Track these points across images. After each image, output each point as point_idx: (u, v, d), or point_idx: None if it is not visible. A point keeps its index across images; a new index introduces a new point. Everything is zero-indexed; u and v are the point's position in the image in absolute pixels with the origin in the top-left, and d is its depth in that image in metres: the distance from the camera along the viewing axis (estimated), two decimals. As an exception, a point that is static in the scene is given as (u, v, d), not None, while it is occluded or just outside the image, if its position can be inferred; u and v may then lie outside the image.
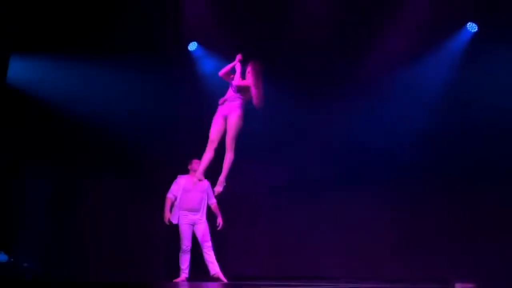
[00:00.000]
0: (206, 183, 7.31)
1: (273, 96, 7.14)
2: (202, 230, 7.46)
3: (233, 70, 6.57)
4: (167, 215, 7.45)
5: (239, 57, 6.55)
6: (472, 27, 8.16)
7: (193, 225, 7.46)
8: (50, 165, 8.78)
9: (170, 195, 7.52)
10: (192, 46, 8.74)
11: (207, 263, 7.40)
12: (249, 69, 6.45)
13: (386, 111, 8.31)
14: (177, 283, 7.20)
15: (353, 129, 8.36)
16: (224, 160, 6.27)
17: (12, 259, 8.06)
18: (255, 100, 6.35)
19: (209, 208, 7.57)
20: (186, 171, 7.67)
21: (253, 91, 6.33)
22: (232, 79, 6.51)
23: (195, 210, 7.47)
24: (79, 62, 8.60)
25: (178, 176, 7.65)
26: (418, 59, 8.29)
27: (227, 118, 6.35)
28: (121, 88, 8.67)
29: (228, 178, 6.25)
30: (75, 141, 8.74)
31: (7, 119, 8.42)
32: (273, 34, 8.40)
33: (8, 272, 7.80)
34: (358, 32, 8.36)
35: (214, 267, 7.37)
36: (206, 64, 8.65)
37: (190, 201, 7.48)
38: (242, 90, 6.40)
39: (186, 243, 7.41)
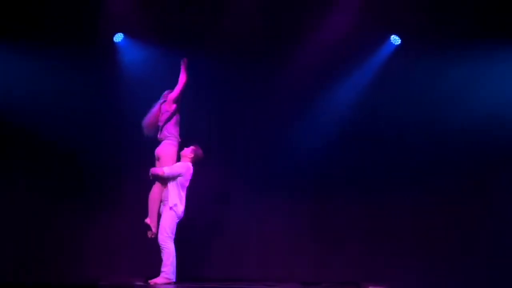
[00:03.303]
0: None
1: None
2: None
3: None
4: None
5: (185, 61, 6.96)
6: (395, 40, 8.41)
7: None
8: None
9: None
10: (118, 37, 8.44)
11: None
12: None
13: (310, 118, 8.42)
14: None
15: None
16: None
17: None
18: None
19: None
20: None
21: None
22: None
23: None
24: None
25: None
26: (339, 72, 8.40)
27: None
28: (42, 82, 8.25)
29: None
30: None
31: None
32: (197, 23, 8.30)
33: None
34: (288, 32, 8.38)
35: None
36: (132, 54, 8.40)
37: None
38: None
39: None
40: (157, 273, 6.83)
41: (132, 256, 8.01)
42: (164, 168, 6.80)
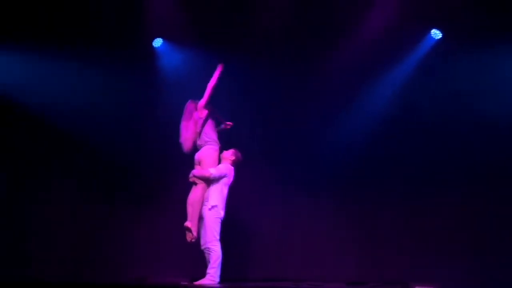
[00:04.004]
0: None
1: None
2: None
3: None
4: None
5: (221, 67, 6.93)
6: (436, 34, 8.27)
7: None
8: (6, 163, 8.52)
9: None
10: (157, 42, 8.58)
11: None
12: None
13: (347, 116, 8.35)
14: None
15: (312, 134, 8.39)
16: None
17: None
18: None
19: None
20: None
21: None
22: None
23: None
24: (41, 58, 8.35)
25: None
26: (382, 67, 8.32)
27: None
28: (84, 86, 8.46)
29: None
30: (33, 138, 8.53)
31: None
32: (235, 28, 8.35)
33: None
34: (327, 31, 8.35)
35: None
36: (171, 59, 8.54)
37: None
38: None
39: None
40: (201, 273, 6.86)
41: (177, 257, 8.08)
42: (210, 169, 6.85)
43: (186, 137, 7.03)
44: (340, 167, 8.24)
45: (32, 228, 8.37)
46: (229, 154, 7.03)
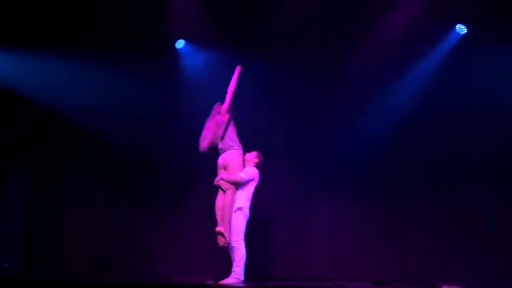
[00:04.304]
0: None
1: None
2: None
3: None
4: None
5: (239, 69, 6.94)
6: (461, 29, 8.15)
7: None
8: (33, 164, 8.69)
9: None
10: (180, 43, 8.63)
11: None
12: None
13: (372, 112, 8.27)
14: None
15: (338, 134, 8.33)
16: None
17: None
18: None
19: None
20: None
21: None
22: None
23: None
24: (66, 60, 8.46)
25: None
26: (407, 61, 8.23)
27: None
28: (107, 88, 8.56)
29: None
30: (58, 139, 8.67)
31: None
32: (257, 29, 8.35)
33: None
34: (347, 30, 8.29)
35: None
36: (194, 61, 8.58)
37: None
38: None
39: None
40: (225, 273, 6.89)
41: (202, 256, 8.13)
42: (240, 174, 6.90)
43: (204, 136, 7.07)
44: (362, 165, 8.18)
45: (57, 228, 8.52)
46: (253, 157, 7.08)
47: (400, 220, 8.08)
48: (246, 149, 7.12)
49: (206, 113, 7.34)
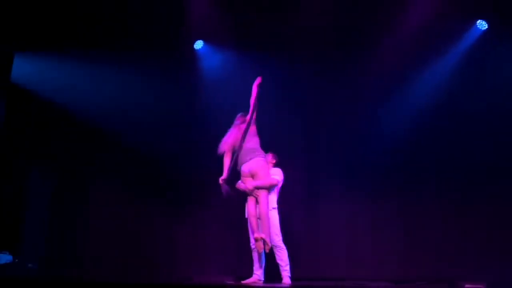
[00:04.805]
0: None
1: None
2: None
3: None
4: None
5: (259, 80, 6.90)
6: (482, 25, 8.04)
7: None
8: (55, 165, 8.79)
9: None
10: (198, 44, 8.67)
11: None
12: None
13: (390, 111, 8.22)
14: None
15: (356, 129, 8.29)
16: None
17: (16, 260, 8.07)
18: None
19: None
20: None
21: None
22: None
23: None
24: (85, 61, 8.59)
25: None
26: (426, 59, 8.16)
27: None
28: (127, 88, 8.66)
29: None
30: (80, 140, 8.76)
31: (11, 118, 8.38)
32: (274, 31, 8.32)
33: (13, 272, 7.78)
34: (364, 29, 8.25)
35: None
36: (213, 61, 8.60)
37: None
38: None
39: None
40: (245, 272, 6.91)
41: (222, 256, 8.18)
42: (274, 177, 6.99)
43: (225, 141, 7.06)
44: (379, 165, 8.14)
45: (79, 228, 8.62)
46: (270, 158, 7.17)
47: (417, 220, 8.03)
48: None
49: (224, 113, 7.39)
